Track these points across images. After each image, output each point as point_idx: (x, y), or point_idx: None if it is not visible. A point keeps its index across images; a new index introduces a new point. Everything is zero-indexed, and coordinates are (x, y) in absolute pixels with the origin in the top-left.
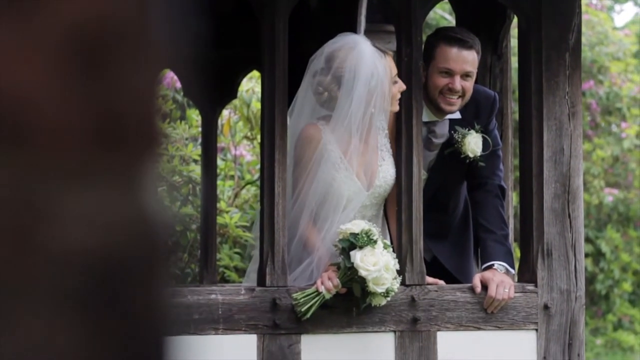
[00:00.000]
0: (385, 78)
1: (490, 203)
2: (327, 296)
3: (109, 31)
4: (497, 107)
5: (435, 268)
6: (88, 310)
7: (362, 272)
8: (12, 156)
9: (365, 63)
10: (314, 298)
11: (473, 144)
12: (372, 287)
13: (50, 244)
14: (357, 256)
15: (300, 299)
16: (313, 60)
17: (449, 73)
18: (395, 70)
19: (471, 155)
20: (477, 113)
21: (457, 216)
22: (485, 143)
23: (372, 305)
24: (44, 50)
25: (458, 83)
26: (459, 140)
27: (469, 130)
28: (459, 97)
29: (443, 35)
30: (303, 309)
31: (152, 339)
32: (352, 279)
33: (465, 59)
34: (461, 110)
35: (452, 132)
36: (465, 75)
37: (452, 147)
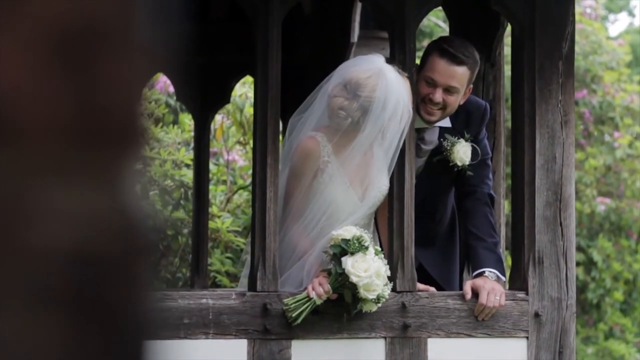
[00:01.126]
0: (409, 104)
1: (480, 211)
2: (318, 302)
3: (93, 29)
4: (488, 117)
5: (420, 275)
6: (67, 308)
7: (353, 278)
8: None
9: (393, 94)
10: (304, 304)
11: (462, 152)
12: (363, 293)
13: (30, 241)
14: (348, 262)
15: (291, 304)
16: (330, 79)
17: (433, 83)
18: (411, 93)
19: (459, 164)
20: (467, 122)
21: (444, 225)
22: (474, 152)
23: (363, 311)
24: (27, 48)
25: (439, 95)
26: (448, 148)
27: (458, 139)
28: (440, 109)
29: (438, 46)
30: (294, 315)
31: (132, 337)
32: (343, 285)
33: (452, 74)
34: (452, 119)
35: (442, 140)
36: (449, 90)
37: (440, 155)
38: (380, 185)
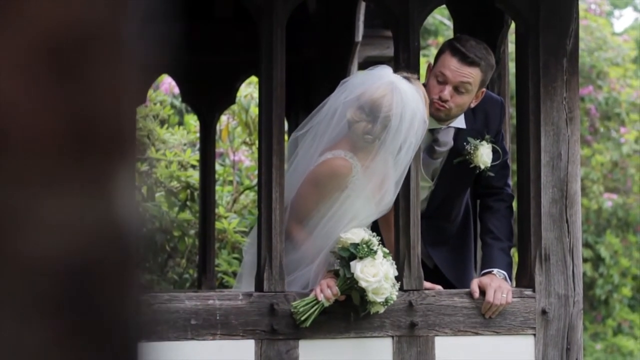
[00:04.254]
0: (425, 110)
1: (503, 212)
2: (326, 304)
3: (82, 36)
4: (505, 112)
5: (438, 275)
6: (61, 315)
7: (363, 284)
8: None
9: (410, 107)
10: (313, 306)
11: (485, 155)
12: (371, 296)
13: (24, 249)
14: (357, 267)
15: (300, 308)
16: (338, 95)
17: (443, 81)
18: (427, 95)
19: (482, 167)
20: (486, 122)
21: (458, 223)
22: (495, 153)
23: (371, 313)
24: (17, 57)
25: (447, 92)
26: (472, 152)
27: (480, 141)
28: (447, 107)
29: (451, 44)
30: (302, 318)
31: (125, 343)
32: (351, 287)
33: (462, 73)
34: (469, 120)
35: (465, 143)
36: (458, 88)
37: (461, 157)
38: (393, 193)
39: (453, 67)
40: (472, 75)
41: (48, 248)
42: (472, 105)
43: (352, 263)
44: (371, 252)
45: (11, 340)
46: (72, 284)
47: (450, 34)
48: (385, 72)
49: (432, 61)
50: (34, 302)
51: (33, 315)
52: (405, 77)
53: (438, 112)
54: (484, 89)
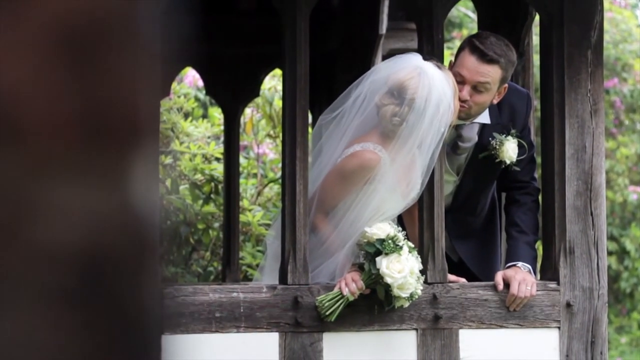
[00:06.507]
0: (452, 99)
1: (529, 206)
2: (351, 299)
3: (97, 26)
4: (532, 105)
5: (462, 269)
6: (75, 305)
7: (388, 280)
8: (0, 152)
9: (436, 91)
10: (338, 301)
11: (511, 150)
12: (396, 292)
13: (42, 238)
14: (383, 263)
15: (325, 303)
16: (364, 81)
17: (461, 80)
18: (456, 85)
19: (508, 162)
20: (512, 116)
21: (483, 217)
22: (520, 147)
23: (395, 307)
24: (32, 47)
25: (466, 92)
26: (497, 147)
27: (506, 136)
28: (467, 107)
29: (470, 41)
30: (327, 313)
31: (140, 332)
32: (376, 282)
33: (481, 72)
34: (494, 114)
35: (490, 138)
36: (477, 87)
37: (487, 152)
38: (420, 184)
39: (471, 66)
40: (491, 74)
41: (65, 237)
42: (495, 102)
43: (377, 259)
44: (397, 248)
45: (29, 328)
46: (88, 273)
47: (474, 27)
48: (414, 58)
49: (453, 57)
50: (52, 291)
51: (51, 303)
52: (436, 65)
53: (458, 113)
54: (506, 85)
